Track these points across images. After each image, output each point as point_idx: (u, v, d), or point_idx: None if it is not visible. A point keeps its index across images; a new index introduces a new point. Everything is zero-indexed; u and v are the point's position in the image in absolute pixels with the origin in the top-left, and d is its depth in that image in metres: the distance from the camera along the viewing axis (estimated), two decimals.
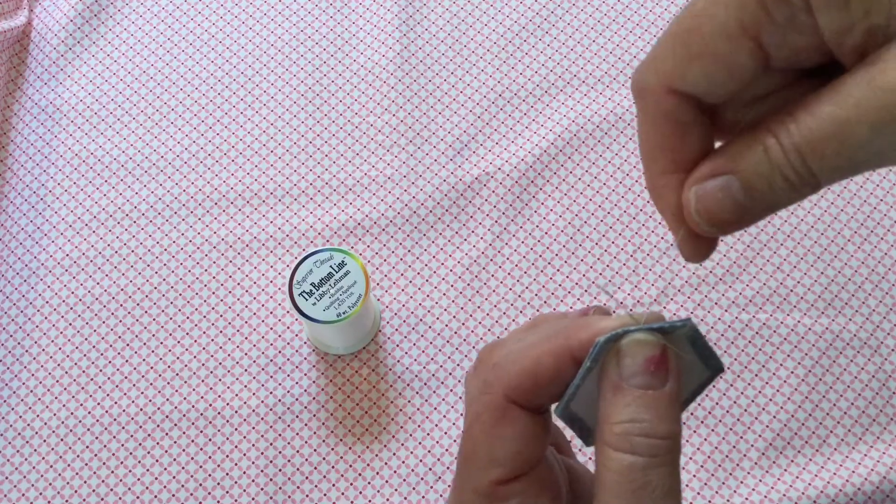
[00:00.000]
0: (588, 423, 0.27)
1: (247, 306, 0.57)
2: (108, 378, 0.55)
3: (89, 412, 0.54)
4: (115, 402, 0.55)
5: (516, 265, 0.58)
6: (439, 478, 0.53)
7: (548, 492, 0.27)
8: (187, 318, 0.57)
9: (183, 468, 0.53)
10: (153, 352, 0.56)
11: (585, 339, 0.25)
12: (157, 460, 0.53)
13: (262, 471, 0.53)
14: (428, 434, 0.54)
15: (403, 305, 0.57)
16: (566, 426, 0.27)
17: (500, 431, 0.26)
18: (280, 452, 0.53)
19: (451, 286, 0.57)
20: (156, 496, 0.52)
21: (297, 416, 0.54)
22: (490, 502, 0.26)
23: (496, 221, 0.59)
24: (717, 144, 0.24)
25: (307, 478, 0.53)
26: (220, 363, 0.55)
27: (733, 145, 0.22)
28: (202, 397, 0.55)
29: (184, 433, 0.54)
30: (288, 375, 0.55)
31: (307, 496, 0.52)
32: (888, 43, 0.20)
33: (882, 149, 0.20)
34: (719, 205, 0.22)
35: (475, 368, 0.29)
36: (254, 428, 0.54)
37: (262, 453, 0.53)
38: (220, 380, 0.55)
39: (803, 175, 0.21)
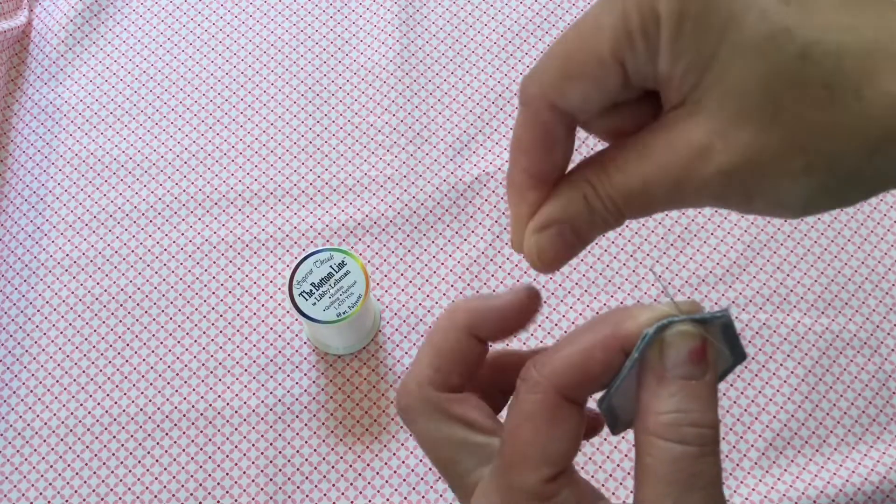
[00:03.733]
0: (619, 412, 0.27)
1: (247, 306, 0.57)
2: (108, 378, 0.55)
3: (89, 412, 0.54)
4: (115, 402, 0.55)
5: (516, 265, 0.58)
6: (439, 477, 0.53)
7: (583, 482, 0.27)
8: (187, 318, 0.57)
9: (183, 468, 0.53)
10: (153, 352, 0.56)
11: (632, 331, 0.26)
12: (157, 460, 0.53)
13: (262, 471, 0.53)
14: None
15: (403, 305, 0.57)
16: (604, 416, 0.28)
17: (555, 430, 0.26)
18: (280, 452, 0.53)
19: (451, 286, 0.57)
20: (156, 496, 0.52)
21: (297, 416, 0.54)
22: (541, 501, 0.26)
23: (496, 221, 0.59)
24: None
25: (307, 478, 0.53)
26: (220, 363, 0.55)
27: (561, 195, 0.27)
28: (202, 397, 0.55)
29: (184, 433, 0.54)
30: (288, 375, 0.55)
31: (307, 496, 0.52)
32: (683, 105, 0.24)
33: (678, 198, 0.25)
34: (555, 247, 0.26)
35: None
36: (254, 428, 0.54)
37: (262, 453, 0.53)
38: (220, 380, 0.55)
39: (616, 216, 0.26)
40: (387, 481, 0.53)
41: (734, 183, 0.23)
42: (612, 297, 0.57)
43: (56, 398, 0.55)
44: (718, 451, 0.25)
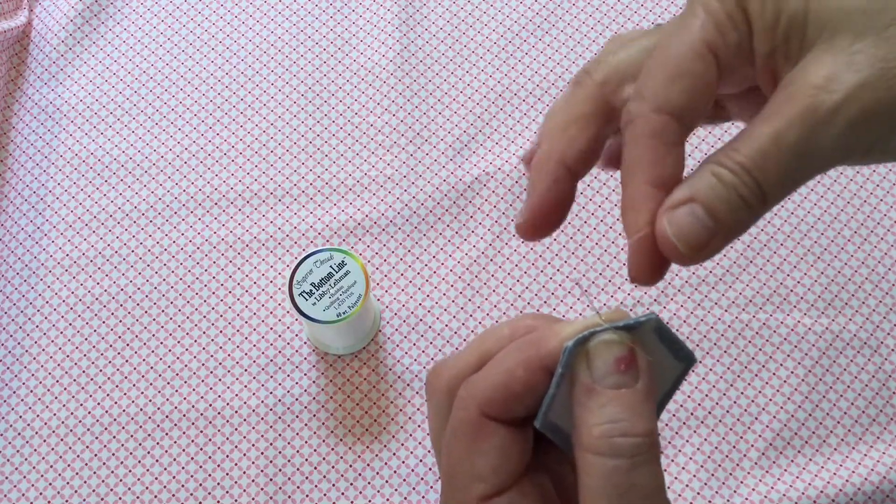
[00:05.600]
0: (567, 431, 0.26)
1: (247, 306, 0.57)
2: (108, 378, 0.55)
3: (89, 412, 0.54)
4: (115, 402, 0.55)
5: (516, 265, 0.58)
6: (439, 478, 0.53)
7: (537, 503, 0.27)
8: (187, 318, 0.57)
9: (183, 468, 0.53)
10: (153, 352, 0.56)
11: (554, 347, 0.25)
12: (157, 460, 0.53)
13: (262, 471, 0.53)
14: (428, 434, 0.54)
15: (403, 305, 0.57)
16: (548, 436, 0.27)
17: (478, 446, 0.26)
18: (280, 452, 0.53)
19: (451, 286, 0.57)
20: (156, 496, 0.52)
21: (297, 416, 0.54)
22: None
23: (496, 221, 0.59)
24: None
25: (307, 478, 0.53)
26: (220, 363, 0.55)
27: (688, 180, 0.24)
28: (202, 397, 0.55)
29: (184, 433, 0.54)
30: (288, 375, 0.55)
31: (307, 496, 0.52)
32: (794, 63, 0.24)
33: (811, 147, 0.23)
34: (691, 228, 0.24)
35: (427, 393, 0.29)
36: (254, 428, 0.54)
37: (262, 453, 0.53)
38: (220, 380, 0.55)
39: (754, 190, 0.23)
40: (387, 481, 0.53)
41: (865, 110, 0.23)
42: (612, 297, 0.57)
43: (56, 398, 0.55)
44: (657, 459, 0.24)
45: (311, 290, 0.50)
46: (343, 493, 0.53)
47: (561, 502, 0.28)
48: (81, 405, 0.54)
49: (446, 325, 0.56)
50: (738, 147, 0.24)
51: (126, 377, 0.55)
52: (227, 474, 0.53)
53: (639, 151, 0.25)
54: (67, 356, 0.56)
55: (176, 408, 0.54)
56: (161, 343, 0.56)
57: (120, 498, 0.52)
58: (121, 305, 0.57)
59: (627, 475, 0.23)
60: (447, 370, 0.28)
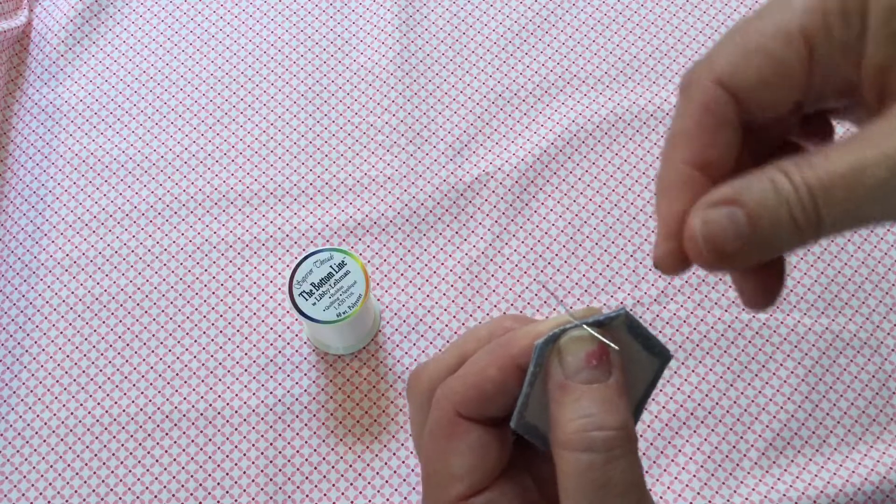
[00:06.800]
0: (545, 432, 0.26)
1: (247, 306, 0.57)
2: (108, 378, 0.55)
3: (89, 412, 0.54)
4: (115, 402, 0.55)
5: (516, 265, 0.58)
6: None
7: (517, 502, 0.27)
8: (187, 318, 0.57)
9: (183, 468, 0.53)
10: (153, 352, 0.56)
11: (525, 346, 0.25)
12: (157, 460, 0.53)
13: (262, 471, 0.53)
14: None
15: (403, 305, 0.57)
16: (525, 436, 0.27)
17: (454, 446, 0.26)
18: (280, 452, 0.53)
19: (451, 286, 0.57)
20: (156, 496, 0.52)
21: (297, 416, 0.54)
22: None
23: (496, 221, 0.59)
24: None
25: (307, 478, 0.53)
26: (220, 363, 0.55)
27: (742, 178, 0.21)
28: (202, 397, 0.55)
29: (184, 433, 0.54)
30: (288, 375, 0.55)
31: (307, 496, 0.52)
32: None
33: (891, 192, 0.20)
34: (724, 234, 0.21)
35: (408, 394, 0.29)
36: (254, 428, 0.54)
37: (262, 453, 0.53)
38: (220, 380, 0.55)
39: (810, 215, 0.20)
40: (387, 481, 0.53)
41: None
42: (612, 297, 0.57)
43: (56, 398, 0.55)
44: (633, 452, 0.24)
45: (311, 290, 0.50)
46: (343, 493, 0.53)
47: (544, 502, 0.28)
48: (81, 405, 0.54)
49: (446, 325, 0.56)
50: (812, 162, 0.20)
51: (126, 377, 0.55)
52: (227, 474, 0.53)
53: (685, 123, 0.23)
54: (67, 356, 0.56)
55: (176, 408, 0.54)
56: (161, 343, 0.56)
57: (120, 498, 0.52)
58: (121, 305, 0.57)
59: (603, 469, 0.23)
60: (427, 372, 0.28)
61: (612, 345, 0.25)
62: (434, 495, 0.26)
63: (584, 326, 0.25)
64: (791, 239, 0.21)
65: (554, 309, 0.57)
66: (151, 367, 0.55)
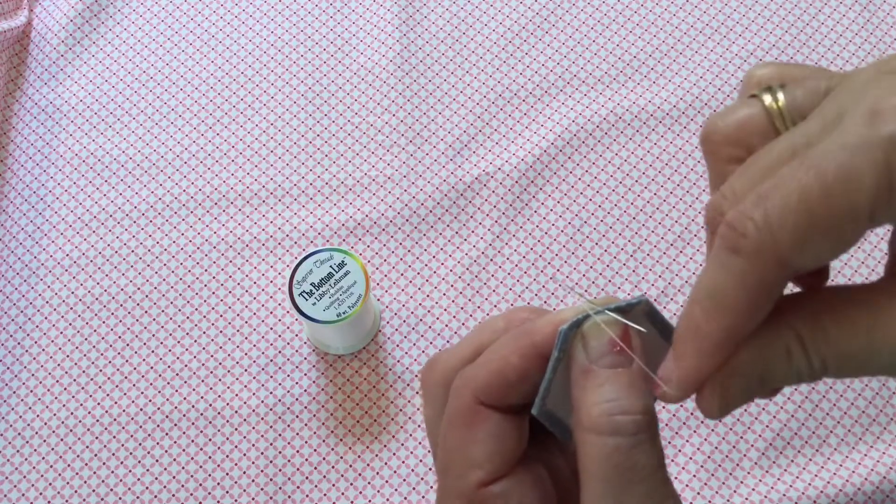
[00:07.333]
0: (565, 420, 0.27)
1: (247, 306, 0.57)
2: (108, 378, 0.55)
3: (89, 412, 0.54)
4: (115, 402, 0.55)
5: (516, 265, 0.58)
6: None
7: (534, 491, 0.27)
8: (187, 318, 0.57)
9: (183, 468, 0.53)
10: (153, 352, 0.56)
11: (548, 333, 0.26)
12: (157, 460, 0.53)
13: (262, 471, 0.53)
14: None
15: (403, 305, 0.57)
16: (545, 423, 0.27)
17: (474, 433, 0.26)
18: (280, 452, 0.53)
19: (451, 286, 0.57)
20: (156, 496, 0.52)
21: (297, 416, 0.54)
22: None
23: (496, 221, 0.59)
24: None
25: (307, 478, 0.53)
26: (220, 363, 0.55)
27: (760, 344, 0.23)
28: (202, 397, 0.55)
29: (184, 433, 0.54)
30: (288, 375, 0.55)
31: (307, 496, 0.52)
32: None
33: None
34: (737, 401, 0.24)
35: (421, 386, 0.29)
36: (254, 428, 0.54)
37: (262, 453, 0.53)
38: (220, 380, 0.55)
39: (818, 374, 0.22)
40: (387, 481, 0.53)
41: None
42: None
43: (56, 398, 0.55)
44: (656, 436, 0.24)
45: (311, 290, 0.50)
46: (343, 493, 0.53)
47: (558, 492, 0.28)
48: (81, 405, 0.54)
49: (446, 325, 0.56)
50: (829, 336, 0.22)
51: (126, 377, 0.55)
52: (227, 474, 0.53)
53: (743, 297, 0.22)
54: (67, 356, 0.56)
55: (176, 408, 0.54)
56: (161, 343, 0.56)
57: (120, 498, 0.52)
58: (121, 305, 0.57)
59: (629, 453, 0.23)
60: (442, 363, 0.28)
61: (639, 327, 0.25)
62: (451, 483, 0.26)
63: (608, 312, 0.25)
64: (792, 384, 0.23)
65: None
66: (151, 367, 0.55)
